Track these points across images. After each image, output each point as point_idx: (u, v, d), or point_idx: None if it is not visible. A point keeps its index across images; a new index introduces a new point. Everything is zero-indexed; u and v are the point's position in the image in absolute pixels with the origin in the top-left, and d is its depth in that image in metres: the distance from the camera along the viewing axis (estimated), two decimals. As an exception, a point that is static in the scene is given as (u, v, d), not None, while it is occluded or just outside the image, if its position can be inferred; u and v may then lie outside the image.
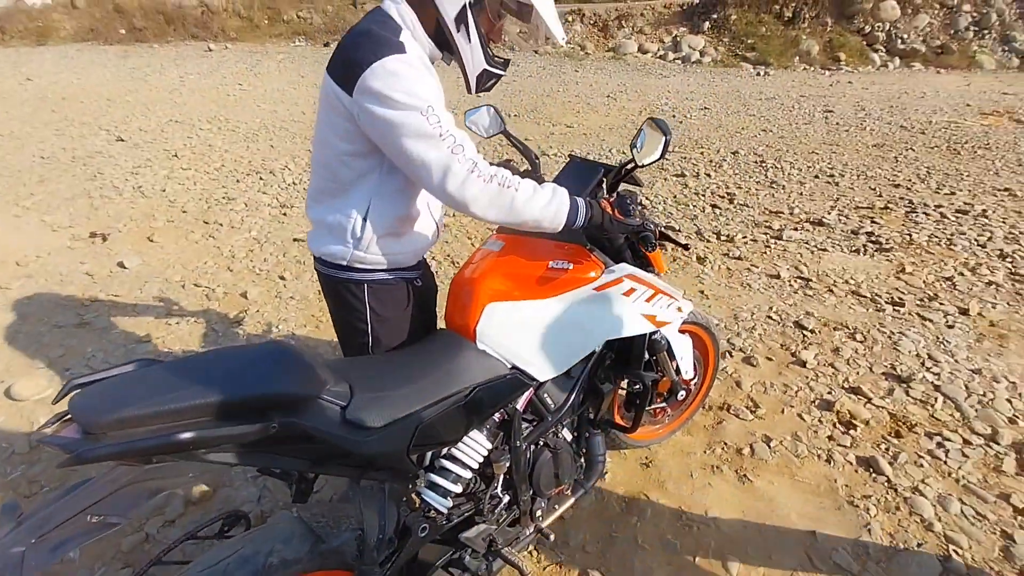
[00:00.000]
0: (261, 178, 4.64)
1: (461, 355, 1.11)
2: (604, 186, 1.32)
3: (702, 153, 5.39)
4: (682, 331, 1.62)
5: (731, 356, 2.27)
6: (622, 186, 1.39)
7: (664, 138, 1.22)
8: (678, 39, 12.44)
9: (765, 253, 3.26)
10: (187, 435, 0.73)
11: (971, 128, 6.27)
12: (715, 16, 12.75)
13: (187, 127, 6.26)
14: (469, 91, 1.14)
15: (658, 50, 12.43)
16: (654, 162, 1.25)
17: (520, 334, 1.15)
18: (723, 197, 4.19)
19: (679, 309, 1.38)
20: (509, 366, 1.15)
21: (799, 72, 11.22)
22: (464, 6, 1.01)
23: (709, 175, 4.71)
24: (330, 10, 15.68)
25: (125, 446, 0.70)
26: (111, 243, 3.48)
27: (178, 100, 7.76)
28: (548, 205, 1.02)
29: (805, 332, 2.42)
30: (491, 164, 1.09)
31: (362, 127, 0.99)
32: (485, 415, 1.15)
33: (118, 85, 8.92)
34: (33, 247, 3.40)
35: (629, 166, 1.32)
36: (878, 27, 12.13)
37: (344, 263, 1.15)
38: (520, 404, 1.18)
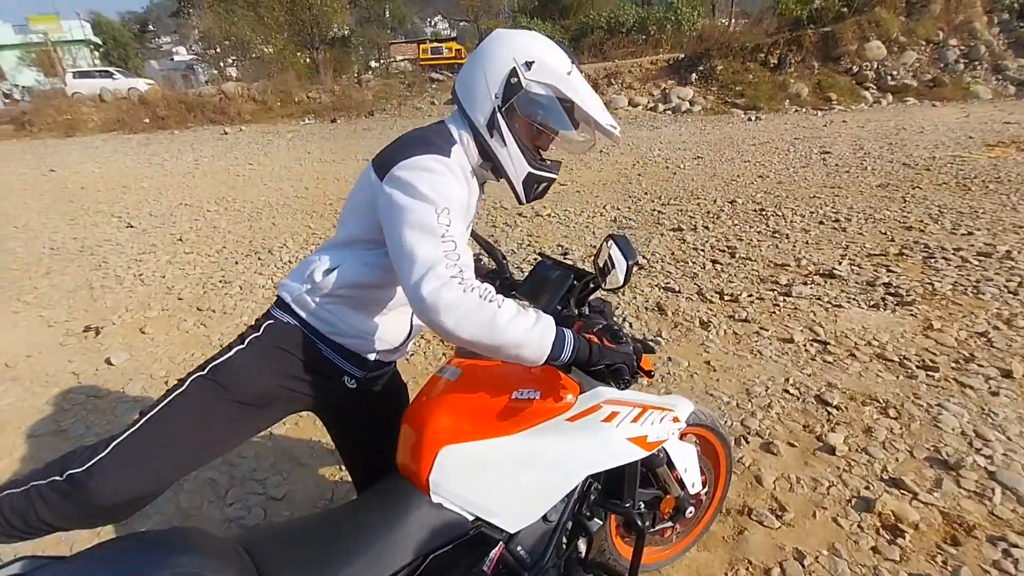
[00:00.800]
0: (259, 258, 4.63)
1: (412, 514, 0.92)
2: (573, 295, 1.18)
3: (699, 204, 5.31)
4: (685, 434, 1.42)
5: (747, 442, 2.03)
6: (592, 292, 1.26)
7: (626, 263, 1.06)
8: (667, 91, 12.80)
9: (774, 313, 3.06)
10: None
11: (978, 161, 6.14)
12: (701, 68, 13.17)
13: (195, 209, 6.40)
14: (520, 201, 1.11)
15: (648, 102, 12.77)
16: (618, 288, 1.11)
17: (483, 480, 0.97)
18: (724, 251, 4.04)
19: (675, 419, 1.20)
20: (471, 519, 0.97)
21: (791, 114, 11.36)
22: (493, 110, 1.00)
23: (707, 227, 4.59)
24: (337, 90, 16.62)
25: None
26: (103, 337, 3.41)
27: (190, 183, 8.01)
28: (532, 328, 0.89)
29: (829, 409, 2.18)
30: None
31: (378, 213, 0.97)
32: None
33: (136, 172, 9.29)
34: (25, 345, 3.34)
35: (594, 284, 1.19)
36: (866, 66, 12.37)
37: (288, 299, 1.10)
38: (488, 564, 0.99)
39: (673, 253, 4.09)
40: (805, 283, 3.38)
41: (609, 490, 1.16)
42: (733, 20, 17.25)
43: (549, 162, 1.08)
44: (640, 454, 1.10)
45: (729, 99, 12.34)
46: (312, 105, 16.08)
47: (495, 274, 1.37)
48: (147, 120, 15.85)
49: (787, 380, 2.43)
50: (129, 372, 2.99)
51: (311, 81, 18.27)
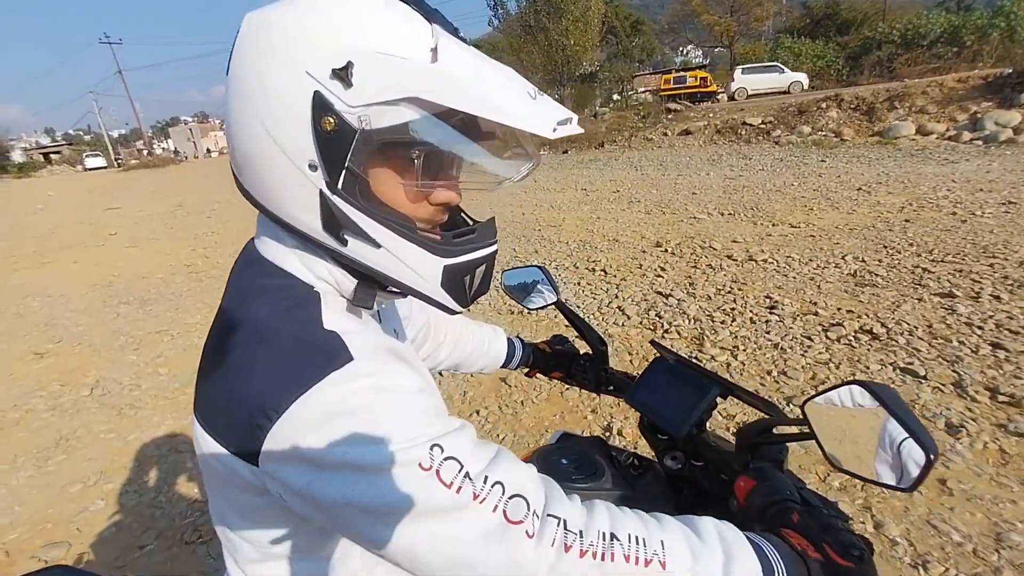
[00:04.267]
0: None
1: None
2: (705, 418, 0.82)
3: (991, 265, 3.94)
4: None
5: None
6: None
7: (925, 457, 0.54)
8: (978, 116, 9.90)
9: (1087, 438, 2.07)
10: None
11: None
12: (1042, 83, 9.79)
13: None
14: (453, 312, 0.58)
15: (946, 131, 10.11)
16: (897, 489, 0.58)
17: None
18: (1018, 334, 2.90)
19: None
20: None
21: None
22: (321, 197, 0.49)
23: (999, 298, 3.37)
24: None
25: None
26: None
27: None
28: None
29: None
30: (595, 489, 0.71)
31: (294, 510, 0.51)
32: None
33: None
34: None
35: (781, 432, 0.73)
36: None
37: None
38: None
39: (931, 326, 3.14)
40: None
41: None
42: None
43: (480, 229, 0.58)
44: None
45: (1088, 123, 8.89)
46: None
47: (591, 363, 1.06)
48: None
49: (1078, 543, 1.61)
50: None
51: (554, 116, 19.93)
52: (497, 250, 0.60)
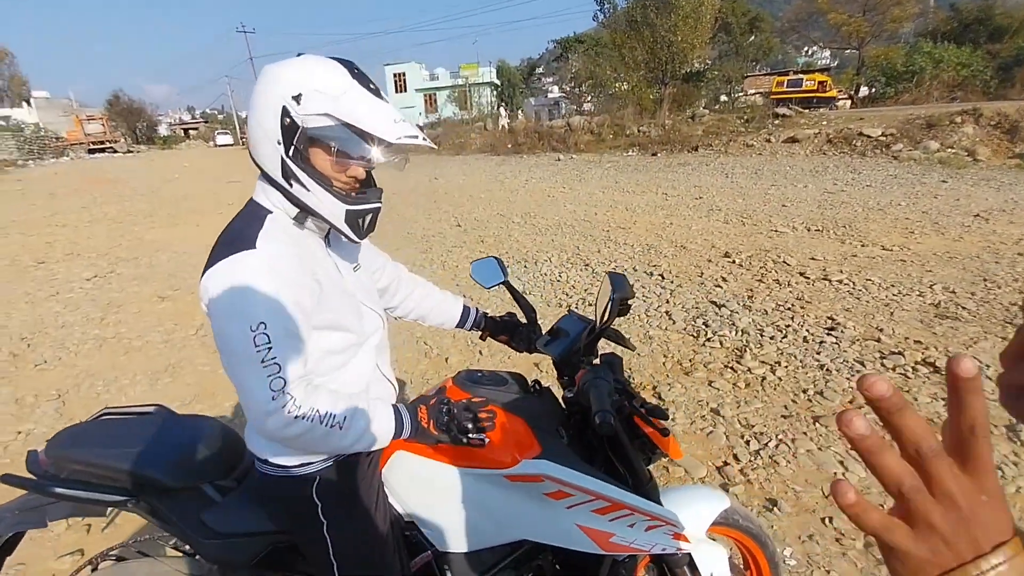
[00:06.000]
0: (524, 266, 5.43)
1: None
2: (582, 345, 1.18)
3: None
4: (722, 534, 1.25)
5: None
6: (607, 349, 1.23)
7: (608, 296, 1.05)
8: None
9: None
10: (62, 491, 0.96)
11: None
12: None
13: (506, 220, 7.83)
14: (354, 240, 0.98)
15: (1105, 156, 8.54)
16: (606, 324, 1.07)
17: (422, 492, 1.08)
18: (1111, 389, 2.54)
19: (678, 536, 1.06)
20: (407, 519, 1.09)
21: None
22: (281, 159, 0.89)
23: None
24: (668, 124, 17.10)
25: (40, 483, 0.97)
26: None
27: (512, 199, 9.75)
28: (374, 438, 0.92)
29: None
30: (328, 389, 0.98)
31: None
32: None
33: (483, 185, 11.85)
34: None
35: (601, 326, 1.15)
36: None
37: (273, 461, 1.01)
38: (414, 565, 1.10)
39: (1010, 367, 2.83)
40: None
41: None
42: None
43: (368, 191, 0.96)
44: (591, 548, 1.02)
45: None
46: (640, 138, 16.96)
47: (525, 328, 1.38)
48: (509, 145, 19.72)
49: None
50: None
51: (652, 116, 19.20)
52: (380, 207, 0.99)
